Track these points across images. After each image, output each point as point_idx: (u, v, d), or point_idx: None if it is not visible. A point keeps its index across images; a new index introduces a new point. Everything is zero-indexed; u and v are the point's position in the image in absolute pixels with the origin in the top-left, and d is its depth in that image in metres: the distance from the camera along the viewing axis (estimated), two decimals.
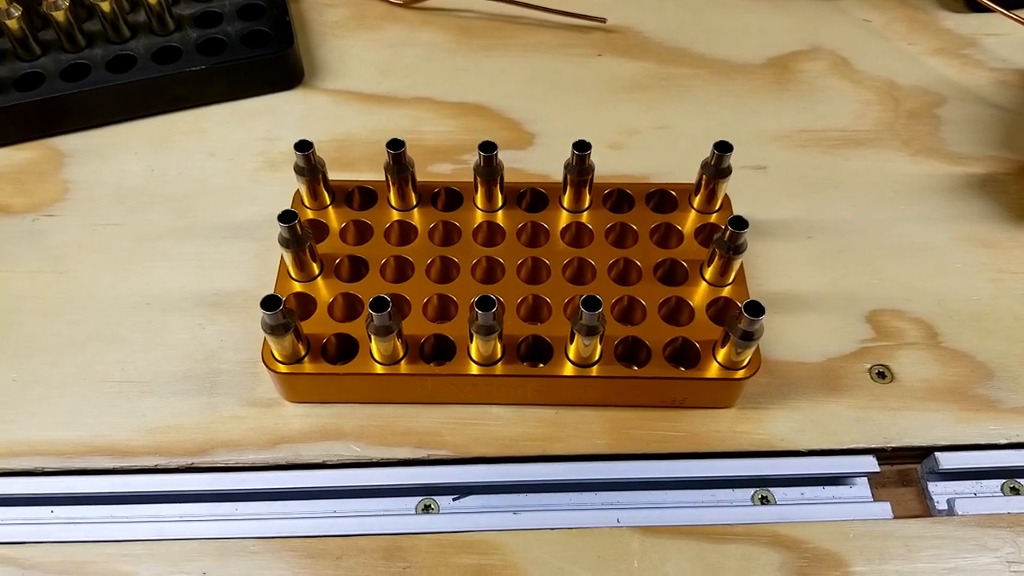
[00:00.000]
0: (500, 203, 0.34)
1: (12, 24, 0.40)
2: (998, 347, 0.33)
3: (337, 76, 0.45)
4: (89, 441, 0.31)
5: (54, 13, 0.40)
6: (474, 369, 0.29)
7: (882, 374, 0.32)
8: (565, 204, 0.34)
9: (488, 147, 0.32)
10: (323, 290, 0.32)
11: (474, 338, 0.28)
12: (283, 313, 0.27)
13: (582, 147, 0.32)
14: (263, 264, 0.36)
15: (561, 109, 0.43)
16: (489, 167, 0.32)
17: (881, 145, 0.41)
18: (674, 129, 0.42)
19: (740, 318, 0.27)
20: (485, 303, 0.26)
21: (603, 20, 0.47)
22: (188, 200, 0.39)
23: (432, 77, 0.45)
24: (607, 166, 0.40)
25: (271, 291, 0.32)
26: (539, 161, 0.40)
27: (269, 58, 0.42)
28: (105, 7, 0.40)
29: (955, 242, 0.37)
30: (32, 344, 0.34)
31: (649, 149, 0.41)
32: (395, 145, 0.32)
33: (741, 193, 0.38)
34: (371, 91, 0.44)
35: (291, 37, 0.43)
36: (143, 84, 0.41)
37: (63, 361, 0.33)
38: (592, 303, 0.26)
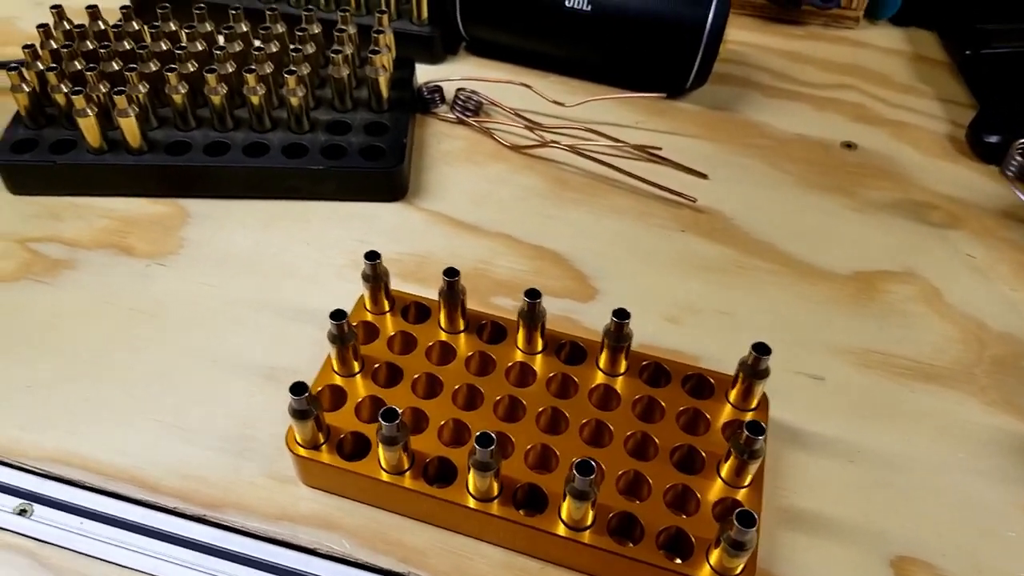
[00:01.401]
0: (539, 347, 0.37)
1: (177, 99, 0.49)
2: None
3: (435, 199, 0.51)
4: (128, 470, 0.36)
5: (212, 97, 0.49)
6: (469, 501, 0.32)
7: None
8: (601, 365, 0.37)
9: (533, 294, 0.35)
10: (358, 388, 0.36)
11: (471, 471, 0.30)
12: (307, 400, 0.31)
13: (621, 315, 0.35)
14: (321, 351, 0.40)
15: (630, 273, 0.46)
16: (532, 313, 0.36)
17: (954, 386, 0.41)
18: (737, 317, 0.44)
19: (731, 526, 0.28)
20: (484, 440, 0.29)
21: (694, 200, 0.51)
22: (276, 278, 0.45)
23: (518, 217, 0.50)
24: (659, 338, 0.42)
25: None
26: (596, 316, 0.43)
27: (379, 171, 0.49)
28: (255, 100, 0.49)
29: (1013, 508, 0.36)
30: (112, 372, 0.40)
31: (706, 331, 0.43)
32: (451, 273, 0.36)
33: (792, 398, 0.39)
34: (461, 218, 0.50)
35: (402, 158, 0.50)
36: (269, 171, 0.49)
37: (131, 394, 0.39)
38: (585, 468, 0.28)
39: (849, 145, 0.58)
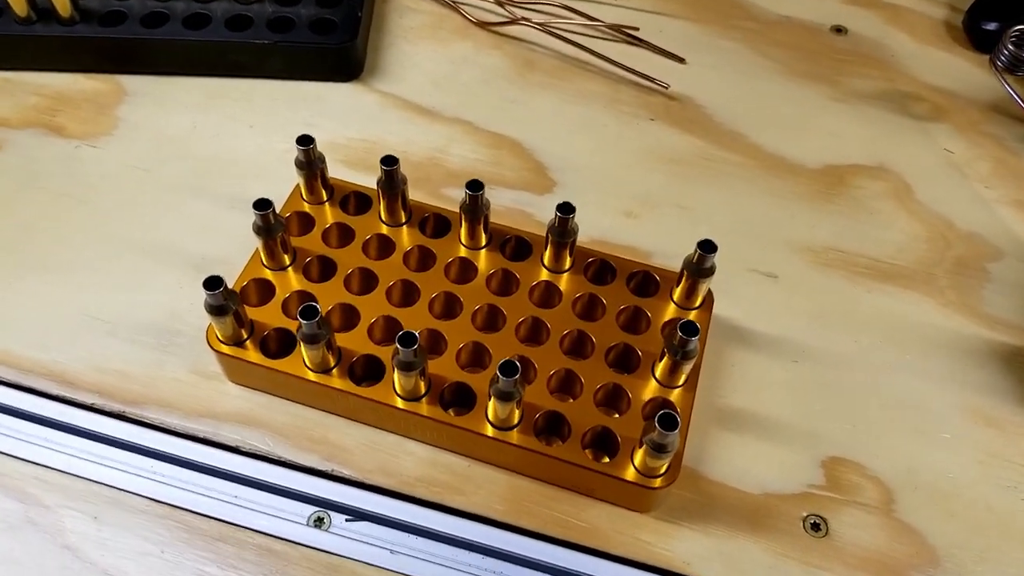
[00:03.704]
0: (484, 242, 0.35)
1: None
2: (956, 535, 0.31)
3: (393, 79, 0.47)
4: (47, 364, 0.34)
5: None
6: (396, 401, 0.30)
7: (816, 526, 0.31)
8: (545, 262, 0.34)
9: (474, 186, 0.32)
10: (288, 282, 0.34)
11: (395, 371, 0.29)
12: (224, 295, 0.29)
13: (565, 210, 0.32)
14: (257, 242, 0.38)
15: (592, 164, 0.43)
16: (473, 206, 0.33)
17: (912, 286, 0.39)
18: (696, 212, 0.41)
19: (653, 428, 0.26)
20: (407, 339, 0.27)
21: (666, 86, 0.47)
22: (214, 163, 0.42)
23: (480, 101, 0.46)
24: (614, 232, 0.40)
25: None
26: (551, 210, 0.40)
27: (329, 48, 0.45)
28: None
29: (954, 410, 0.35)
30: (37, 261, 0.37)
31: (663, 226, 0.41)
32: (389, 162, 0.33)
33: (742, 296, 0.38)
34: (418, 101, 0.46)
35: (355, 32, 0.45)
36: (209, 45, 0.45)
37: (55, 282, 0.37)
38: (509, 369, 0.27)
39: (839, 29, 0.53)
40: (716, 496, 0.31)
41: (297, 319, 0.29)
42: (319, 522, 0.31)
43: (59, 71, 0.46)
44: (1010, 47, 0.43)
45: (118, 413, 0.33)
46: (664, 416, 0.26)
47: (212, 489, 0.31)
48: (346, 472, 0.31)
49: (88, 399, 0.33)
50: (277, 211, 0.32)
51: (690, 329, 0.28)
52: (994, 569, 0.30)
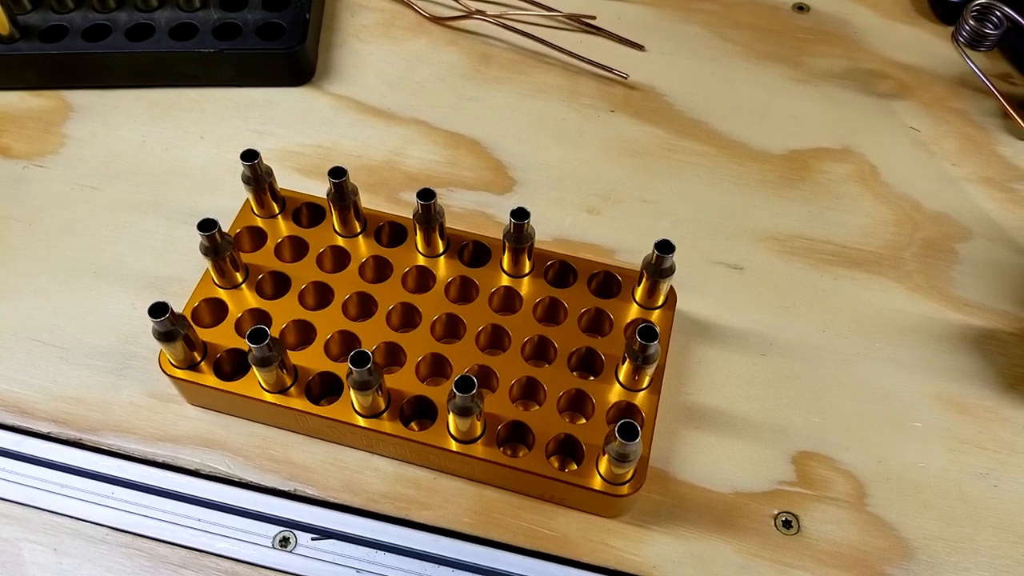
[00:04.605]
0: (441, 249, 0.35)
1: None
2: (930, 526, 0.31)
3: (345, 81, 0.46)
4: (0, 394, 0.33)
5: None
6: (356, 418, 0.30)
7: (788, 523, 0.31)
8: (504, 266, 0.34)
9: (426, 195, 0.32)
10: (241, 300, 0.33)
11: (352, 391, 0.29)
12: (171, 321, 0.28)
13: (520, 215, 0.32)
14: None
15: (552, 160, 0.43)
16: (426, 215, 0.33)
17: (880, 271, 0.39)
18: (660, 205, 0.41)
19: (614, 439, 0.26)
20: (360, 359, 0.27)
21: (625, 76, 0.47)
22: (165, 178, 0.41)
23: (436, 100, 0.46)
24: (576, 230, 0.40)
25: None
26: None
27: (277, 53, 0.44)
28: None
29: (924, 397, 0.35)
30: None
31: (625, 221, 0.40)
32: (337, 174, 0.33)
33: (707, 290, 0.38)
34: (372, 103, 0.45)
35: (304, 36, 0.44)
36: (154, 56, 0.44)
37: (4, 310, 0.36)
38: (466, 384, 0.27)
39: (801, 7, 0.53)
40: (685, 497, 0.31)
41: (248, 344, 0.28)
42: (284, 542, 0.30)
43: (2, 89, 0.45)
44: (971, 22, 0.43)
45: (75, 440, 0.32)
46: (624, 426, 0.26)
47: (174, 514, 0.30)
48: (310, 491, 0.31)
49: (44, 428, 0.33)
50: (223, 229, 0.32)
51: (648, 334, 0.28)
52: (968, 559, 0.30)
